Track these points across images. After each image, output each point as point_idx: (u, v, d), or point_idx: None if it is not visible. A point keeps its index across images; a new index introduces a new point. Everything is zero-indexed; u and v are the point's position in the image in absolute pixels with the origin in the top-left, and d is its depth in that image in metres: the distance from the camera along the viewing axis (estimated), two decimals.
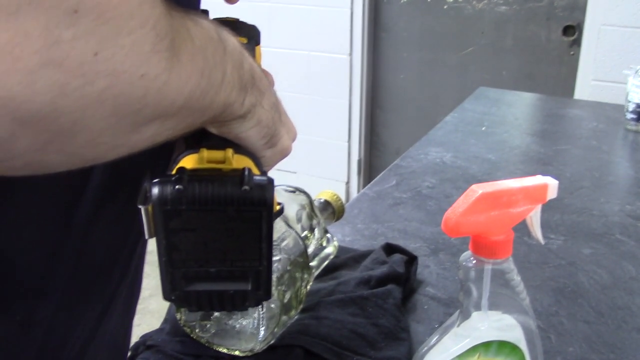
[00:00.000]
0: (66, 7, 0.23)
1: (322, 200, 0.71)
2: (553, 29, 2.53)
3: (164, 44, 0.27)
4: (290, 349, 0.59)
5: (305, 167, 3.01)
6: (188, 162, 0.37)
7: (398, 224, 0.92)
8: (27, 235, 0.37)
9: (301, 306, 0.61)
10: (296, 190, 0.65)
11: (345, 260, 0.78)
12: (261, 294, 0.38)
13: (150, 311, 2.17)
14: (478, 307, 0.43)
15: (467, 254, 0.44)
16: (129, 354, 0.60)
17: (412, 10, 2.77)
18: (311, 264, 0.63)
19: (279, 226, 0.59)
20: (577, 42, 2.47)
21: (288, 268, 0.58)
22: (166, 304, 0.66)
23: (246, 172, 0.35)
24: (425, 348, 0.46)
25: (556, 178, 0.44)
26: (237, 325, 0.58)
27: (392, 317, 0.65)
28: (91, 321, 0.44)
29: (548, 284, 0.77)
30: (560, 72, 2.55)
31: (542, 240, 0.46)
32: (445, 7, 2.70)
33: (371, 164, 3.09)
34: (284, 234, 0.59)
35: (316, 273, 0.65)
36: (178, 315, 0.59)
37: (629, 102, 1.41)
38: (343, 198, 1.05)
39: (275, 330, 0.58)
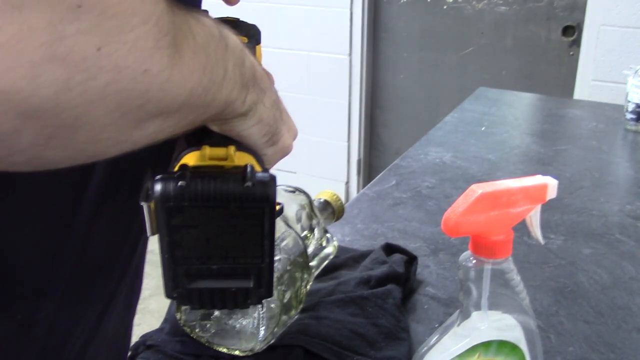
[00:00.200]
0: (70, 3, 0.23)
1: (321, 200, 0.71)
2: (553, 29, 2.53)
3: (166, 41, 0.27)
4: (290, 349, 0.59)
5: (305, 167, 3.01)
6: (190, 159, 0.37)
7: (398, 224, 0.92)
8: (28, 234, 0.37)
9: (301, 306, 0.61)
10: (296, 190, 0.65)
11: (345, 260, 0.78)
12: (263, 291, 0.38)
13: (150, 311, 2.17)
14: (478, 307, 0.43)
15: (467, 253, 0.44)
16: (129, 353, 0.60)
17: (412, 10, 2.77)
18: (311, 264, 0.63)
19: (278, 226, 0.59)
20: (576, 42, 2.47)
21: (288, 268, 0.58)
22: (166, 304, 0.66)
23: (248, 169, 0.35)
24: (425, 348, 0.46)
25: (556, 178, 0.44)
26: (237, 325, 0.59)
27: (392, 317, 0.65)
28: (91, 320, 0.44)
29: (548, 284, 0.77)
30: (560, 72, 2.55)
31: (541, 240, 0.46)
32: (445, 7, 2.70)
33: (371, 164, 3.09)
34: (283, 234, 0.59)
35: (316, 273, 0.65)
36: (178, 315, 0.59)
37: (629, 102, 1.41)
38: (343, 198, 1.05)
39: (275, 330, 0.58)
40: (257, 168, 0.38)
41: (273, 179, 0.36)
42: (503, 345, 0.44)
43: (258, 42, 0.48)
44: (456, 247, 0.85)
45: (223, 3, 0.49)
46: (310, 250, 0.62)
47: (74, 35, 0.23)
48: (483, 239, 0.42)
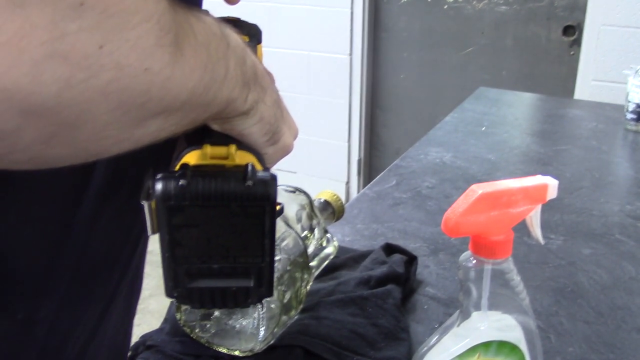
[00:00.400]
0: (72, 0, 0.23)
1: (322, 200, 0.71)
2: (553, 29, 2.53)
3: (167, 39, 0.27)
4: (290, 349, 0.59)
5: (305, 167, 3.01)
6: (191, 158, 0.37)
7: (398, 224, 0.92)
8: (29, 234, 0.37)
9: (301, 306, 0.61)
10: (296, 190, 0.65)
11: (345, 260, 0.78)
12: (263, 290, 0.38)
13: (150, 311, 2.17)
14: (478, 307, 0.43)
15: (467, 254, 0.44)
16: (129, 353, 0.60)
17: (412, 10, 2.77)
18: (311, 264, 0.63)
19: (278, 226, 0.59)
20: (577, 42, 2.47)
21: (288, 268, 0.58)
22: (166, 304, 0.66)
23: (249, 168, 0.35)
24: (425, 348, 0.46)
25: (556, 178, 0.44)
26: (237, 325, 0.59)
27: (392, 317, 0.65)
28: (92, 320, 0.44)
29: (548, 284, 0.77)
30: (560, 72, 2.55)
31: (541, 241, 0.46)
32: (445, 7, 2.70)
33: (371, 164, 3.09)
34: (283, 234, 0.59)
35: (316, 273, 0.65)
36: (178, 315, 0.59)
37: (629, 102, 1.41)
38: (343, 198, 1.05)
39: (275, 330, 0.58)
40: (258, 167, 0.38)
41: (274, 178, 0.36)
42: (503, 346, 0.44)
43: (259, 41, 0.48)
44: (456, 247, 0.85)
45: (223, 3, 0.49)
46: (310, 250, 0.62)
47: (76, 33, 0.23)
48: (483, 239, 0.42)
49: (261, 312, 0.56)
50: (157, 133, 0.31)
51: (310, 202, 0.65)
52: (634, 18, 2.23)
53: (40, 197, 0.37)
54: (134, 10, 0.25)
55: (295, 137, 0.45)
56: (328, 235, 0.67)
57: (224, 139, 0.38)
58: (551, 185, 0.43)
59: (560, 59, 2.55)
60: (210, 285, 0.37)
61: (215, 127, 0.38)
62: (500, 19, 2.62)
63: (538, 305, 0.72)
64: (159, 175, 0.35)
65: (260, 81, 0.38)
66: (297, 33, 2.89)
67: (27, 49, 0.22)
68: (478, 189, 0.40)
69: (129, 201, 0.40)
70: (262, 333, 0.57)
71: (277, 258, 0.57)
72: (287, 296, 0.58)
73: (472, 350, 0.44)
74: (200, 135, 0.38)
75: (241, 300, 0.39)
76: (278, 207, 0.41)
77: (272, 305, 0.57)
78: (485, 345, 0.44)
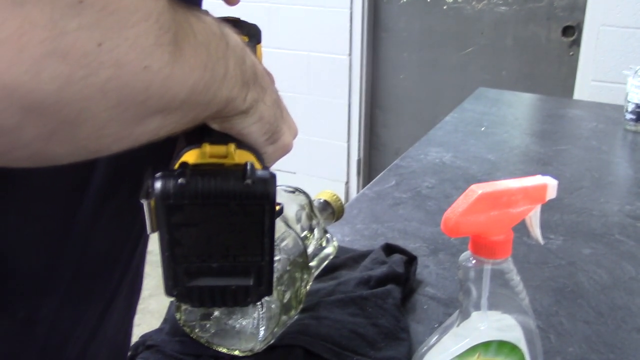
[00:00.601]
0: None
1: (321, 201, 0.71)
2: (553, 29, 2.53)
3: (167, 37, 0.27)
4: (290, 349, 0.59)
5: (304, 167, 3.01)
6: (190, 157, 0.37)
7: (398, 224, 0.93)
8: (29, 233, 0.37)
9: (301, 306, 0.61)
10: (295, 190, 0.65)
11: (345, 260, 0.78)
12: (263, 289, 0.38)
13: (150, 311, 2.17)
14: (477, 307, 0.43)
15: (467, 254, 0.44)
16: (128, 353, 0.60)
17: (412, 10, 2.77)
18: (311, 264, 0.63)
19: (278, 226, 0.59)
20: (576, 43, 2.47)
21: (288, 268, 0.58)
22: (166, 304, 0.66)
23: (249, 167, 0.35)
24: (425, 348, 0.46)
25: (556, 178, 0.44)
26: (237, 325, 0.59)
27: (392, 317, 0.65)
28: (92, 320, 0.44)
29: (548, 284, 0.77)
30: (560, 72, 2.55)
31: (541, 241, 0.46)
32: (445, 7, 2.70)
33: (371, 164, 3.09)
34: (283, 234, 0.59)
35: (316, 273, 0.65)
36: (178, 315, 0.59)
37: (629, 102, 1.41)
38: (342, 198, 1.05)
39: (275, 330, 0.58)
40: (258, 166, 0.38)
41: (273, 176, 0.36)
42: (503, 346, 0.44)
43: (259, 41, 0.48)
44: (456, 247, 0.85)
45: (223, 3, 0.49)
46: (310, 250, 0.62)
47: (75, 31, 0.23)
48: (483, 239, 0.42)
49: (261, 312, 0.56)
50: (157, 131, 0.31)
51: (310, 202, 0.65)
52: (634, 18, 2.23)
53: (41, 196, 0.37)
54: (133, 8, 0.25)
55: (294, 136, 0.45)
56: (328, 235, 0.67)
57: (224, 138, 0.38)
58: (551, 185, 0.43)
59: (559, 59, 2.55)
60: (209, 284, 0.37)
61: (215, 126, 0.38)
62: (500, 19, 2.62)
63: (538, 305, 0.72)
64: (158, 174, 0.35)
65: (259, 81, 0.38)
66: (297, 33, 2.89)
67: (26, 47, 0.22)
68: (478, 189, 0.40)
69: (130, 200, 0.40)
70: (262, 333, 0.57)
71: (276, 258, 0.57)
72: (287, 296, 0.58)
73: (472, 350, 0.44)
74: (199, 134, 0.38)
75: (241, 299, 0.39)
76: (278, 207, 0.41)
77: (272, 305, 0.57)
78: (485, 345, 0.44)
